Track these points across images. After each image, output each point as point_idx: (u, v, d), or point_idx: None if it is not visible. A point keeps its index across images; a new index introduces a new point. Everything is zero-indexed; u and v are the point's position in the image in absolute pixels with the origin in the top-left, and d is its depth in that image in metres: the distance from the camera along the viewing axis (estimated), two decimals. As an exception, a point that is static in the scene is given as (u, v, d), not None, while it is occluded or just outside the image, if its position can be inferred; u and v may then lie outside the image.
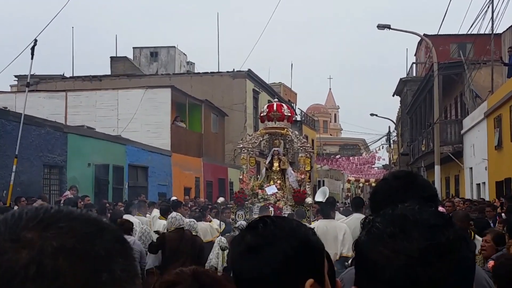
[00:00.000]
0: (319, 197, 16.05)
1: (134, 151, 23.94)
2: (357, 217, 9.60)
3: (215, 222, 13.68)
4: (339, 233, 9.21)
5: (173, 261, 8.82)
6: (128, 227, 9.44)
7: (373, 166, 52.53)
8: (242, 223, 10.85)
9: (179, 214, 10.14)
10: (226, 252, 9.94)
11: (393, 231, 1.27)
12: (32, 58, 13.83)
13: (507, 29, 26.22)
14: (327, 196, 15.69)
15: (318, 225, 9.25)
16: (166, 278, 1.78)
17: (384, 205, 1.42)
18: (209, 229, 12.65)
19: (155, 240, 9.92)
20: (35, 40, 13.86)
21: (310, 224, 11.74)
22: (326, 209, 9.88)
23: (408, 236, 1.25)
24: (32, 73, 15.05)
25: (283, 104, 15.83)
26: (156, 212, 13.20)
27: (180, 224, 9.36)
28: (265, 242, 1.43)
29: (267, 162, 15.33)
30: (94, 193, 19.57)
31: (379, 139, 49.07)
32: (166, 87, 28.54)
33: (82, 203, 13.83)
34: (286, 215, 13.24)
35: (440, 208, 11.84)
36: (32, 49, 13.79)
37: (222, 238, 10.65)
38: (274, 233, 1.45)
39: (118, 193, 22.14)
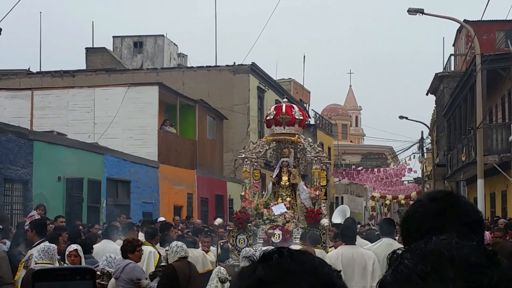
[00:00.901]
0: (337, 218, 16.05)
1: (113, 162, 23.98)
2: (388, 243, 9.58)
3: (213, 252, 13.63)
4: (368, 263, 9.15)
5: None
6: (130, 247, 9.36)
7: (402, 179, 52.46)
8: (250, 251, 10.75)
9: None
10: (226, 285, 9.95)
11: (424, 270, 1.26)
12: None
13: None
14: (347, 216, 15.67)
15: (343, 253, 9.18)
16: None
17: (418, 233, 1.42)
18: (201, 259, 12.63)
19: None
20: (-1, 29, 13.89)
21: (326, 251, 11.72)
22: (350, 233, 9.86)
23: (442, 277, 1.24)
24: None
25: (294, 105, 15.84)
26: (141, 236, 13.13)
27: (185, 254, 9.57)
28: (279, 277, 1.41)
29: (274, 176, 15.33)
30: (65, 213, 19.58)
31: (409, 147, 49.03)
32: (153, 85, 28.60)
33: (51, 225, 13.83)
34: (297, 241, 13.23)
35: (487, 234, 11.78)
36: (-6, 38, 13.83)
37: (222, 268, 10.66)
38: (291, 267, 1.44)
39: (94, 212, 22.16)
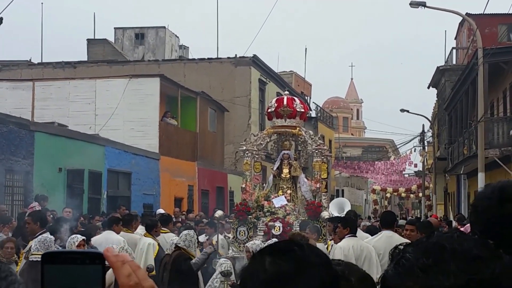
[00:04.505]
0: (334, 211, 16.04)
1: (114, 154, 23.98)
2: (388, 235, 9.58)
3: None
4: (372, 255, 9.18)
5: None
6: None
7: (403, 172, 52.48)
8: (254, 244, 10.52)
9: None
10: (231, 277, 9.94)
11: (426, 263, 1.25)
12: (-4, 39, 13.88)
13: None
14: (345, 210, 15.65)
15: (354, 245, 9.17)
16: None
17: (484, 236, 1.37)
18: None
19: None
20: (1, 18, 13.89)
21: (326, 244, 11.72)
22: (355, 224, 9.88)
23: (444, 270, 1.23)
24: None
25: (295, 98, 15.81)
26: (140, 229, 13.04)
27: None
28: (301, 267, 1.42)
29: (275, 168, 15.32)
30: (65, 204, 19.59)
31: (410, 140, 48.98)
32: (154, 76, 28.57)
33: (51, 216, 13.82)
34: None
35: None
36: (-3, 28, 13.85)
37: (223, 260, 10.63)
38: (310, 258, 1.45)
39: (95, 204, 22.17)
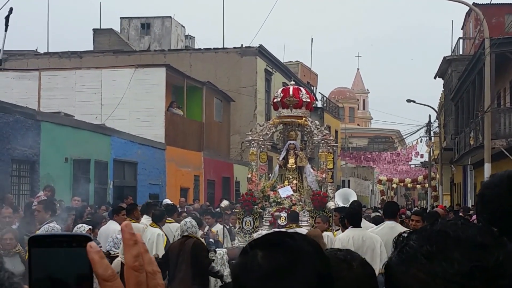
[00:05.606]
0: (339, 201, 16.07)
1: (120, 144, 24.00)
2: (390, 226, 9.60)
3: (219, 232, 13.55)
4: (376, 245, 9.18)
5: None
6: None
7: (410, 163, 52.44)
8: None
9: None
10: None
11: (429, 250, 1.26)
12: (6, 30, 13.91)
13: None
14: (350, 201, 15.68)
15: (354, 236, 9.19)
16: None
17: (494, 222, 1.36)
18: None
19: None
20: (11, 8, 13.93)
21: (333, 234, 11.74)
22: (357, 216, 9.89)
23: (447, 257, 1.24)
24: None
25: (301, 88, 15.80)
26: (145, 219, 12.99)
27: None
28: (295, 258, 1.42)
29: (280, 158, 15.34)
30: (72, 194, 19.64)
31: (417, 131, 48.96)
32: (160, 66, 28.57)
33: (58, 205, 13.85)
34: (303, 223, 13.26)
35: None
36: (7, 18, 13.85)
37: (220, 250, 10.67)
38: (303, 247, 1.44)
39: (101, 193, 22.22)
